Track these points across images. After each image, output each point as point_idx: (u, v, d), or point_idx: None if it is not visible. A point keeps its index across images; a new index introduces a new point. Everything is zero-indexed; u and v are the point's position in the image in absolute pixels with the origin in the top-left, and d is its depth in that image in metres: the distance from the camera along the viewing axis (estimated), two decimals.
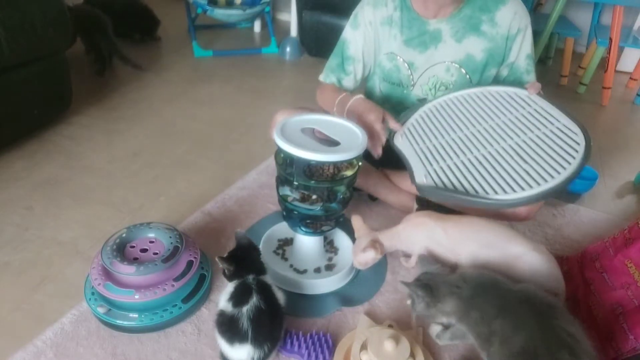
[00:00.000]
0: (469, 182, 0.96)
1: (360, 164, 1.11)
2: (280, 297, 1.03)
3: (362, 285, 1.24)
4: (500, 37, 1.27)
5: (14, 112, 1.71)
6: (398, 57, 1.35)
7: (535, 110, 1.11)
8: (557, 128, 1.02)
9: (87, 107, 2.10)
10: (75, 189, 1.59)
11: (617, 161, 1.98)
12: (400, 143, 1.18)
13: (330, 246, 1.34)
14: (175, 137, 1.95)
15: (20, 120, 1.76)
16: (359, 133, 1.10)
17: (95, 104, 2.15)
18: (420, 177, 1.04)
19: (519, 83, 1.31)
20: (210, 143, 1.92)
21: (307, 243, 1.25)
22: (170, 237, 1.16)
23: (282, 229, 1.34)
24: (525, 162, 0.97)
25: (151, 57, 2.76)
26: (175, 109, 2.20)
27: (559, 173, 0.91)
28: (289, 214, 1.18)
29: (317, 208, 1.12)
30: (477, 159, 1.01)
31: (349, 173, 1.09)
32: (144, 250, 1.14)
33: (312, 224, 1.18)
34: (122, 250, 1.12)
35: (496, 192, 0.90)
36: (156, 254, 1.12)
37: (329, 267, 1.26)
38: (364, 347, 0.98)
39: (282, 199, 1.15)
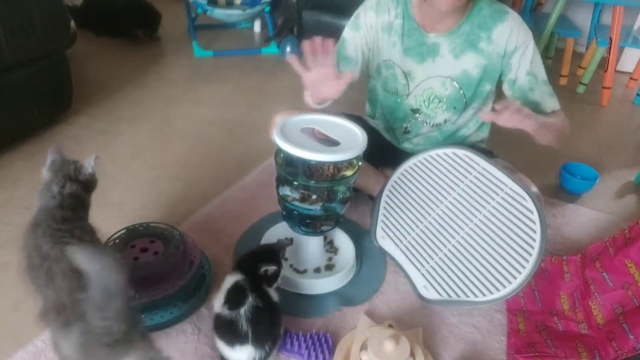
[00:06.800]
0: (460, 282, 1.12)
1: (360, 164, 1.11)
2: (274, 294, 1.03)
3: (362, 285, 1.24)
4: (496, 55, 1.26)
5: (14, 112, 1.71)
6: (396, 66, 1.34)
7: (480, 173, 1.18)
8: (507, 194, 1.11)
9: (87, 107, 2.10)
10: None
11: (617, 161, 1.98)
12: (388, 246, 1.30)
13: (330, 246, 1.34)
14: (175, 137, 1.95)
15: (20, 120, 1.76)
16: (359, 133, 1.10)
17: (95, 104, 2.15)
18: (422, 290, 1.18)
19: (527, 103, 1.27)
20: (210, 143, 1.92)
21: (307, 243, 1.25)
22: (170, 237, 1.16)
23: (282, 229, 1.34)
24: (487, 257, 1.10)
25: (151, 57, 2.76)
26: (176, 109, 2.19)
27: (527, 262, 1.03)
28: (289, 214, 1.18)
29: (317, 208, 1.12)
30: (453, 253, 1.16)
31: (349, 173, 1.09)
32: (144, 250, 1.14)
33: (312, 224, 1.18)
34: (121, 250, 1.12)
35: (484, 294, 1.07)
36: (156, 253, 1.12)
37: (329, 267, 1.27)
38: (364, 347, 0.98)
39: (282, 199, 1.15)
